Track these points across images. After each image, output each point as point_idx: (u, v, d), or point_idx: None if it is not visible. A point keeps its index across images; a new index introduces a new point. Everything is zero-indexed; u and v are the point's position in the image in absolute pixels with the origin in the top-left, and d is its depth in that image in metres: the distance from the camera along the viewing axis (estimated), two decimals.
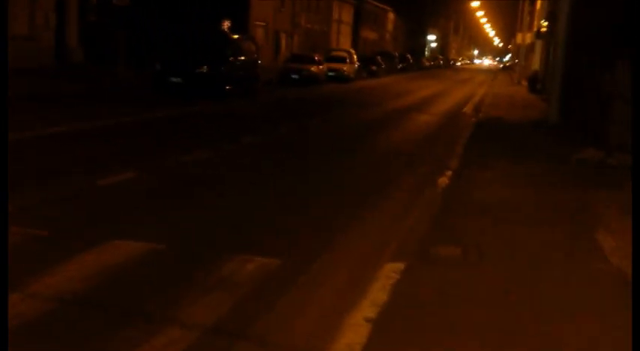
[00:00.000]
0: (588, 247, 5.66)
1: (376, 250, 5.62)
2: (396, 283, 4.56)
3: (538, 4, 37.94)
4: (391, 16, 73.18)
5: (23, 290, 4.14)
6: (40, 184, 7.19)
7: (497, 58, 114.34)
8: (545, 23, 28.65)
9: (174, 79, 17.98)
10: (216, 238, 5.71)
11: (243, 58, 20.29)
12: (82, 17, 24.74)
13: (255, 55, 21.66)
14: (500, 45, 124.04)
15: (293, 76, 27.48)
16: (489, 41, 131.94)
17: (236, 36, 21.34)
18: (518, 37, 46.06)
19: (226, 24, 31.21)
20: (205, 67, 18.16)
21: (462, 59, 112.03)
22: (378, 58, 43.77)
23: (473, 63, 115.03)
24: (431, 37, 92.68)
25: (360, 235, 6.13)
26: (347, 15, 56.61)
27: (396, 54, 55.48)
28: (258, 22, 38.17)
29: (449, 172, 9.26)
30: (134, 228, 5.75)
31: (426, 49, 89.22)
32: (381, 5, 66.50)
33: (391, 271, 4.82)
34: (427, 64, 70.02)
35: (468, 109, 22.37)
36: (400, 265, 4.96)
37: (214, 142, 11.09)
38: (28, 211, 6.02)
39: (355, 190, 8.16)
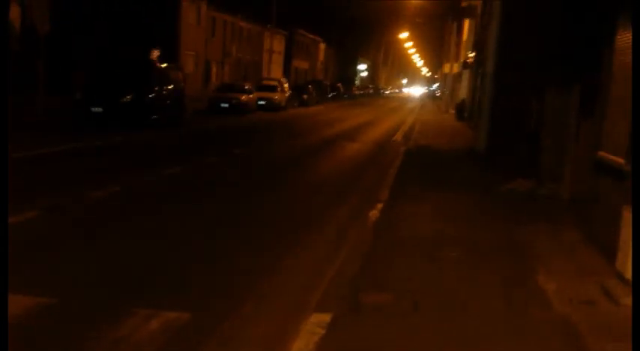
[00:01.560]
0: (529, 291, 5.28)
1: (301, 298, 5.09)
2: (320, 341, 4.03)
3: (464, 36, 38.76)
4: (322, 46, 73.68)
5: None
6: None
7: (425, 87, 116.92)
8: (472, 54, 29.16)
9: (95, 109, 17.09)
10: (117, 288, 5.04)
11: (169, 86, 19.61)
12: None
13: (182, 84, 21.00)
14: (429, 74, 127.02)
15: (222, 105, 26.88)
16: (418, 71, 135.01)
17: (163, 65, 20.65)
18: (446, 67, 47.01)
19: (155, 53, 30.40)
20: (129, 96, 17.36)
21: (392, 88, 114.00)
22: (310, 87, 43.69)
23: (402, 92, 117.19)
24: (361, 67, 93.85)
25: (284, 280, 5.58)
26: (278, 45, 56.50)
27: (327, 83, 55.67)
28: (188, 51, 37.46)
29: (379, 205, 8.86)
30: (23, 278, 5.02)
31: (357, 78, 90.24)
32: (312, 36, 66.86)
33: (316, 325, 4.30)
34: (358, 92, 70.60)
35: (397, 136, 22.29)
36: (326, 317, 4.44)
37: (130, 174, 10.36)
38: None
39: (279, 228, 7.61)
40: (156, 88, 18.53)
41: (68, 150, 12.81)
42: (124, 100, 17.22)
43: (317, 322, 4.35)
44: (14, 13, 24.68)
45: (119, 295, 4.88)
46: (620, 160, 6.52)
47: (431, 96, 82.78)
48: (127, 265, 5.69)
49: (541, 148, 11.08)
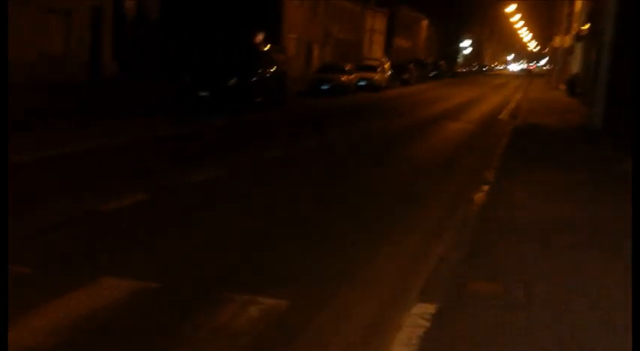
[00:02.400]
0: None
1: (404, 285, 4.88)
2: (424, 335, 3.80)
3: (577, 6, 36.67)
4: (425, 23, 72.14)
5: None
6: (38, 208, 6.61)
7: (533, 63, 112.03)
8: (586, 26, 27.52)
9: (202, 93, 17.49)
10: (218, 271, 5.01)
11: (272, 69, 19.77)
12: (117, 33, 24.71)
13: (285, 66, 21.12)
14: (536, 49, 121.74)
15: (323, 87, 26.83)
16: (525, 46, 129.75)
17: (266, 47, 20.86)
18: (556, 40, 44.70)
19: (260, 36, 30.83)
20: (234, 79, 17.64)
21: (497, 65, 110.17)
22: (411, 65, 42.90)
23: (506, 68, 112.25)
24: (465, 44, 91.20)
25: (385, 266, 5.37)
26: (380, 23, 55.87)
27: (430, 61, 54.50)
28: (290, 34, 37.73)
29: (486, 187, 8.44)
30: (128, 262, 5.10)
31: (460, 55, 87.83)
32: (414, 13, 65.56)
33: (420, 317, 4.06)
34: (461, 70, 68.73)
35: (504, 115, 21.43)
36: (431, 308, 4.20)
37: (234, 155, 10.46)
38: (16, 242, 5.42)
39: (380, 211, 7.38)
40: (259, 71, 18.73)
41: (174, 134, 13.12)
42: (230, 83, 17.50)
43: (421, 314, 4.12)
44: (130, 2, 25.82)
45: (219, 278, 4.85)
46: None
47: (539, 72, 79.24)
48: (231, 244, 5.69)
49: None
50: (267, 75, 19.22)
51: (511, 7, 79.34)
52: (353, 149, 12.61)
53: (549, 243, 5.86)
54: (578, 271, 5.09)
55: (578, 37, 31.75)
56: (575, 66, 33.76)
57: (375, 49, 53.54)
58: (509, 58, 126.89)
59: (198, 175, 8.58)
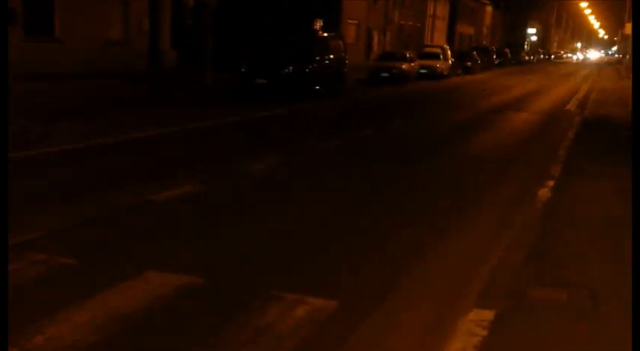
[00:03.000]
0: None
1: (460, 288, 4.61)
2: (480, 344, 3.54)
3: None
4: (489, 9, 70.42)
5: (21, 343, 3.44)
6: (90, 197, 6.61)
7: (602, 51, 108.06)
8: None
9: (259, 81, 17.43)
10: (266, 267, 4.86)
11: (331, 56, 19.54)
12: (175, 21, 24.88)
13: (343, 54, 20.84)
14: (606, 37, 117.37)
15: (383, 75, 26.41)
16: (594, 33, 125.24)
17: (324, 34, 20.61)
18: (627, 27, 42.80)
19: (318, 23, 30.62)
20: (291, 67, 17.50)
21: (565, 53, 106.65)
22: (474, 53, 41.86)
23: (570, 57, 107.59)
24: (531, 31, 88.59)
25: (440, 266, 5.11)
26: (442, 10, 54.80)
27: (493, 48, 53.13)
28: (350, 20, 37.34)
29: (550, 182, 8.03)
30: (175, 255, 5.00)
31: (526, 42, 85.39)
32: None
33: (476, 324, 3.80)
34: (527, 58, 66.81)
35: (571, 106, 20.59)
36: (488, 315, 3.93)
37: (290, 146, 10.33)
38: (64, 233, 5.41)
39: (436, 206, 7.09)
40: (317, 59, 18.52)
41: (225, 123, 13.08)
42: (286, 71, 17.37)
43: (477, 321, 3.86)
44: None
45: (266, 275, 4.69)
46: None
47: (610, 61, 76.29)
48: (282, 237, 5.54)
49: None
50: (326, 63, 18.99)
51: None
52: (412, 141, 12.29)
53: (619, 245, 5.47)
54: None
55: None
56: None
57: (438, 36, 52.55)
58: (578, 45, 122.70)
59: (255, 164, 8.50)
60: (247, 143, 10.79)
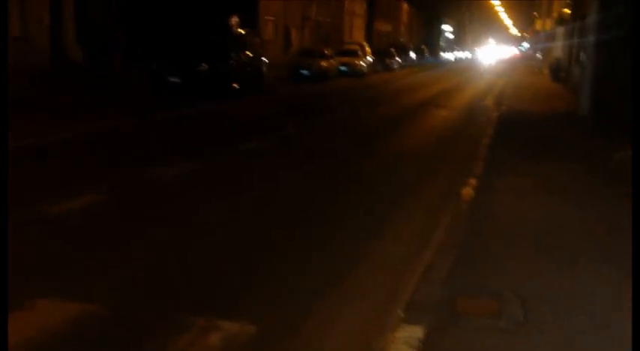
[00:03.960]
0: None
1: (385, 303, 4.30)
2: None
3: None
4: (405, 6, 71.39)
5: None
6: None
7: (515, 47, 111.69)
8: (568, 11, 27.04)
9: (173, 79, 16.73)
10: (176, 289, 4.40)
11: (248, 54, 19.04)
12: (80, 14, 23.52)
13: (260, 51, 20.39)
14: (518, 34, 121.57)
15: (302, 72, 26.12)
16: (506, 30, 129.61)
17: (240, 31, 20.11)
18: (537, 24, 44.29)
19: (234, 20, 29.94)
20: (206, 64, 16.89)
21: (479, 49, 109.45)
22: (392, 50, 42.23)
23: (475, 55, 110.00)
24: (446, 28, 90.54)
25: (364, 278, 4.79)
26: (359, 7, 55.01)
27: (411, 46, 53.87)
28: (267, 17, 36.78)
29: (473, 180, 7.90)
30: (73, 279, 4.46)
31: (442, 39, 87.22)
32: None
33: (405, 343, 3.50)
34: (443, 54, 68.20)
35: (488, 101, 20.90)
36: (418, 331, 3.64)
37: (202, 151, 9.80)
38: None
39: (358, 210, 6.79)
40: (233, 56, 17.99)
41: (137, 123, 12.41)
42: (201, 68, 16.77)
43: (406, 338, 3.56)
44: None
45: (175, 298, 4.24)
46: None
47: (522, 56, 78.87)
48: (194, 256, 5.07)
49: None
50: (243, 60, 18.48)
51: None
52: (335, 139, 12.01)
53: (546, 248, 5.33)
54: (580, 283, 4.54)
55: (561, 20, 31.28)
56: (558, 50, 33.35)
57: (356, 33, 52.73)
58: (491, 41, 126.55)
59: (162, 172, 7.93)
60: (161, 147, 10.17)
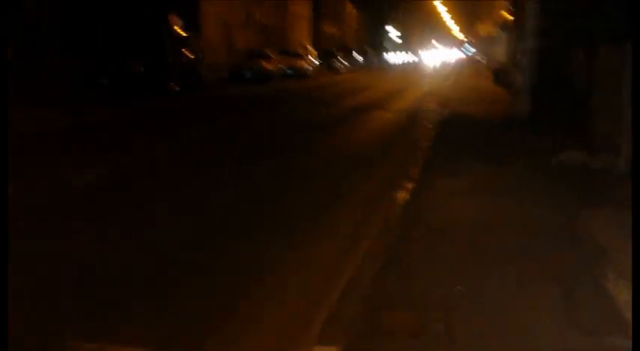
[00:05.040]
0: (596, 303, 4.02)
1: (300, 321, 3.92)
2: None
3: None
4: (351, 9, 71.58)
5: None
6: None
7: (458, 50, 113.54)
8: (509, 16, 27.34)
9: (103, 80, 16.09)
10: (62, 311, 3.93)
11: (187, 54, 18.53)
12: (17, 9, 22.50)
13: (200, 51, 19.89)
14: (462, 37, 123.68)
15: (245, 73, 25.68)
16: (451, 33, 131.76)
17: (178, 30, 19.57)
18: (481, 28, 44.95)
19: (175, 19, 29.20)
20: (141, 64, 16.32)
21: (424, 52, 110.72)
22: (338, 53, 42.16)
23: (418, 59, 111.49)
24: (393, 31, 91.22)
25: (280, 293, 4.40)
26: (305, 9, 54.79)
27: (358, 48, 53.95)
28: (210, 17, 36.11)
29: (410, 183, 7.64)
30: None
31: (388, 42, 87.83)
32: None
33: None
34: (389, 57, 68.65)
35: (432, 104, 20.85)
36: None
37: (127, 151, 9.30)
38: None
39: (288, 212, 6.42)
40: (170, 56, 17.46)
41: (63, 126, 11.78)
42: (136, 68, 16.17)
43: None
44: None
45: (59, 321, 3.78)
46: None
47: (466, 60, 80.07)
48: (87, 274, 4.60)
49: (592, 113, 9.60)
50: (179, 60, 17.96)
51: None
52: (273, 140, 11.64)
53: (480, 253, 5.06)
54: (511, 293, 4.26)
55: (503, 25, 31.70)
56: (500, 54, 33.79)
57: (302, 36, 52.48)
58: (436, 45, 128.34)
59: (76, 179, 7.40)
60: (82, 149, 9.61)
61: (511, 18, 26.85)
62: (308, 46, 35.54)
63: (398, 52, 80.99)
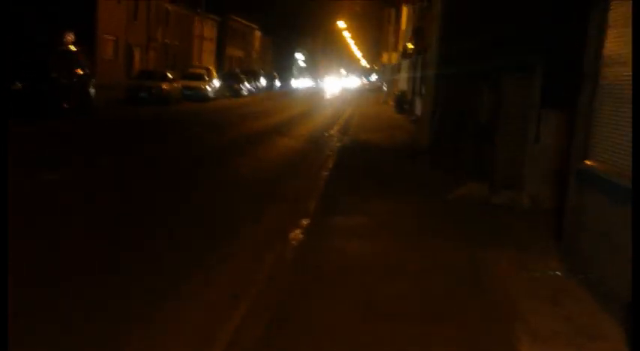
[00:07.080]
0: None
1: None
2: None
3: (403, 25, 37.36)
4: (258, 34, 71.28)
5: None
6: None
7: (364, 78, 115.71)
8: (411, 44, 27.68)
9: None
10: None
11: (76, 73, 17.30)
12: None
13: (88, 70, 18.66)
14: (368, 66, 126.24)
15: (141, 95, 24.49)
16: (356, 61, 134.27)
17: (66, 48, 18.33)
18: (384, 57, 45.63)
19: (69, 37, 27.64)
20: (22, 83, 15.01)
21: (330, 78, 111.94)
22: (242, 76, 41.52)
23: (319, 85, 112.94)
24: (299, 56, 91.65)
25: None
26: (210, 31, 53.92)
27: (262, 72, 53.56)
28: (106, 35, 34.59)
29: (305, 221, 7.03)
30: None
31: (295, 67, 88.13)
32: (247, 23, 64.34)
33: None
34: (295, 82, 68.73)
35: (333, 131, 20.52)
36: None
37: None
38: None
39: (165, 256, 5.66)
40: (55, 75, 16.20)
41: None
42: (15, 87, 14.85)
43: None
44: None
45: None
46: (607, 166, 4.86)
47: (370, 87, 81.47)
48: None
49: (494, 146, 9.37)
50: (66, 79, 16.72)
51: (343, 24, 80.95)
52: (162, 168, 10.77)
53: (373, 306, 4.49)
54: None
55: (405, 54, 32.11)
56: (403, 83, 34.23)
57: (206, 58, 51.54)
58: (343, 72, 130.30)
59: None
60: None
61: (412, 46, 27.22)
62: (210, 68, 34.65)
63: (302, 78, 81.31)
